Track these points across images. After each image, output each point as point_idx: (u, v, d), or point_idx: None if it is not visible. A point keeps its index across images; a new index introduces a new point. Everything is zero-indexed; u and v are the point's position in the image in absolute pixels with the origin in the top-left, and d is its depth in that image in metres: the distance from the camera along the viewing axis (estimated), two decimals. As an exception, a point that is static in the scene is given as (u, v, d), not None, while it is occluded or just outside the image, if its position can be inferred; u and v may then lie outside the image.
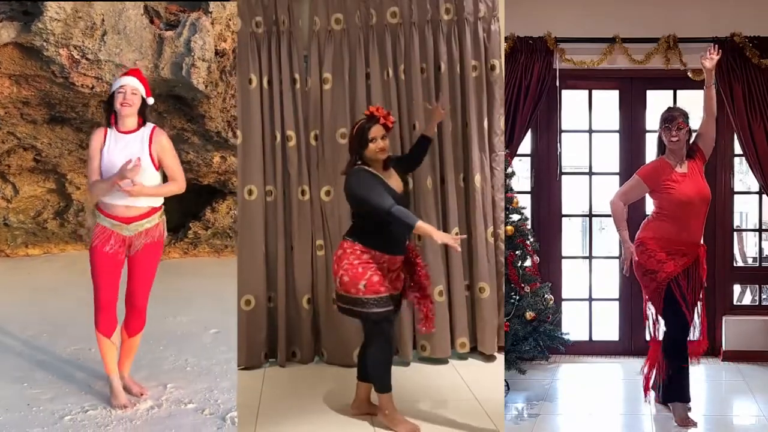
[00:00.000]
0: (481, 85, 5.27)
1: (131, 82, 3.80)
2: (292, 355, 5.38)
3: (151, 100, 3.94)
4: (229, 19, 5.45)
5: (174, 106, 5.87)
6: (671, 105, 6.30)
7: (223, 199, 7.02)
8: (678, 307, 4.59)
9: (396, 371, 4.66)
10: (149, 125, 3.89)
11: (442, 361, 5.29)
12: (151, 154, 3.80)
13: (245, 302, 5.22)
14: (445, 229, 5.32)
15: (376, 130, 3.90)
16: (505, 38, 5.68)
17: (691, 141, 4.66)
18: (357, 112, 5.23)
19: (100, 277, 3.90)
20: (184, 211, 7.43)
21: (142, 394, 4.16)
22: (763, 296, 6.60)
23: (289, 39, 5.22)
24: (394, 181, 4.02)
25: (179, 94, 5.69)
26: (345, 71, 5.23)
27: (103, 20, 5.29)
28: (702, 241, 4.75)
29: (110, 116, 3.84)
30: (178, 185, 3.92)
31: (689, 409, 4.69)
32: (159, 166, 3.88)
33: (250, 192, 5.23)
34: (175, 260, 7.29)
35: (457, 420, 4.25)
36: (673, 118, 4.55)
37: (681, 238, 4.63)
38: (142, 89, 3.85)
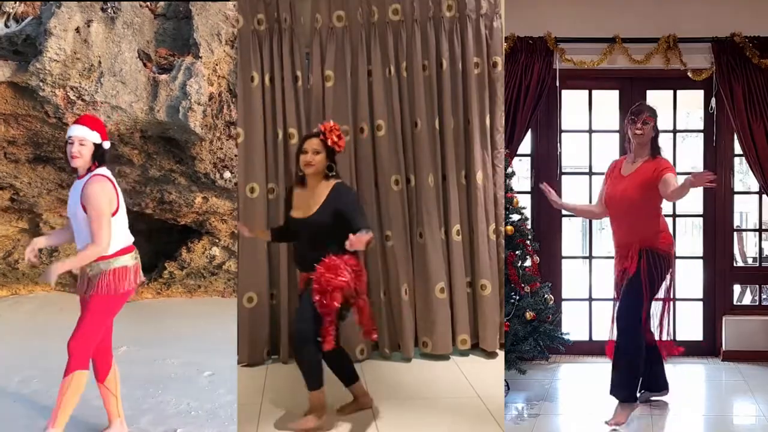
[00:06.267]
0: (483, 82, 5.28)
1: (78, 133, 3.68)
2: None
3: (107, 144, 3.78)
4: (216, 65, 5.57)
5: (164, 147, 5.93)
6: (671, 105, 6.39)
7: (198, 239, 7.01)
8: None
9: (398, 367, 4.69)
10: (95, 172, 3.69)
11: (444, 357, 5.29)
12: (82, 203, 3.64)
13: (248, 299, 5.21)
14: (447, 227, 5.33)
15: (308, 144, 3.97)
16: (505, 38, 5.69)
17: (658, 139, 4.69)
18: (359, 109, 5.24)
19: None
20: (156, 251, 7.41)
21: None
22: (763, 296, 6.61)
23: (290, 36, 5.22)
24: (306, 202, 4.02)
25: (172, 136, 5.76)
26: (347, 69, 5.24)
27: (100, 62, 5.38)
28: (644, 241, 4.62)
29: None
30: (92, 248, 3.57)
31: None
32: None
33: (252, 190, 5.22)
34: (147, 301, 7.16)
35: (458, 416, 4.25)
36: (640, 111, 4.64)
37: (618, 240, 4.74)
38: (91, 136, 3.69)
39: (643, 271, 4.55)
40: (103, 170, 3.72)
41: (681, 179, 4.38)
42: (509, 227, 5.32)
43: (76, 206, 3.67)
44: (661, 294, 4.73)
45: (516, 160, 6.11)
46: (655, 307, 4.76)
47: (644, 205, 4.58)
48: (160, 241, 7.46)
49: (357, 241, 3.56)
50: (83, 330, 3.71)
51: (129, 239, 3.82)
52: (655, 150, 4.64)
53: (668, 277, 4.70)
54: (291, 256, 4.34)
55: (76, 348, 3.70)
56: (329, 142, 3.94)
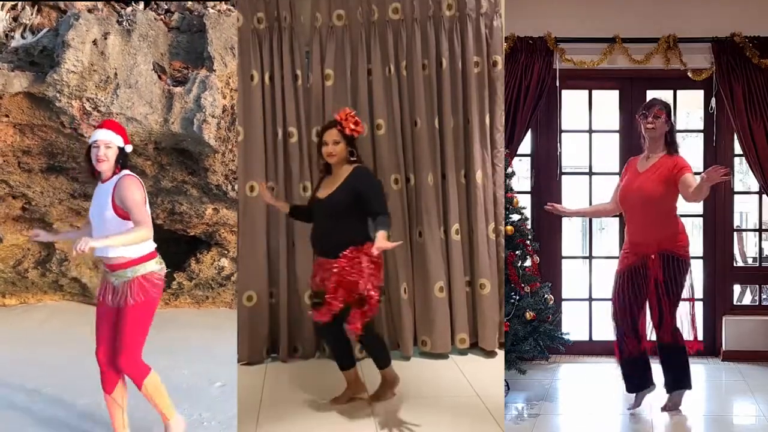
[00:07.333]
0: (482, 81, 5.27)
1: (104, 137, 3.70)
2: (293, 350, 5.36)
3: (129, 148, 3.82)
4: (229, 77, 5.64)
5: (177, 159, 5.95)
6: (671, 105, 6.38)
7: (207, 250, 7.01)
8: (623, 304, 4.73)
9: (397, 366, 4.66)
10: (123, 173, 3.72)
11: (443, 356, 5.29)
12: (114, 203, 3.64)
13: (247, 298, 5.21)
14: (446, 226, 5.33)
15: (328, 135, 4.11)
16: (505, 38, 5.69)
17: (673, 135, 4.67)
18: (359, 108, 5.23)
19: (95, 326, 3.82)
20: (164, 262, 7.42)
21: None
22: (763, 296, 6.61)
23: (290, 35, 5.22)
24: (329, 184, 4.17)
25: (186, 148, 5.80)
26: (347, 67, 5.24)
27: (116, 74, 5.43)
28: (662, 242, 4.63)
29: (92, 168, 3.75)
30: (141, 229, 3.52)
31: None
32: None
33: (251, 188, 5.22)
34: (156, 311, 7.11)
35: (458, 415, 4.24)
36: (651, 105, 4.63)
37: (631, 237, 4.72)
38: (117, 140, 3.73)
39: (660, 282, 4.58)
40: (130, 172, 3.76)
41: (697, 179, 4.38)
42: (509, 227, 5.32)
43: (103, 207, 3.65)
44: (685, 295, 4.73)
45: (516, 159, 6.11)
46: (683, 309, 4.76)
47: (661, 202, 4.56)
48: (168, 252, 7.38)
49: (382, 247, 3.75)
50: (128, 345, 3.67)
51: (152, 245, 3.79)
52: (672, 146, 4.62)
53: (687, 277, 4.71)
54: (310, 242, 4.34)
55: (128, 365, 3.67)
56: (347, 131, 4.08)
